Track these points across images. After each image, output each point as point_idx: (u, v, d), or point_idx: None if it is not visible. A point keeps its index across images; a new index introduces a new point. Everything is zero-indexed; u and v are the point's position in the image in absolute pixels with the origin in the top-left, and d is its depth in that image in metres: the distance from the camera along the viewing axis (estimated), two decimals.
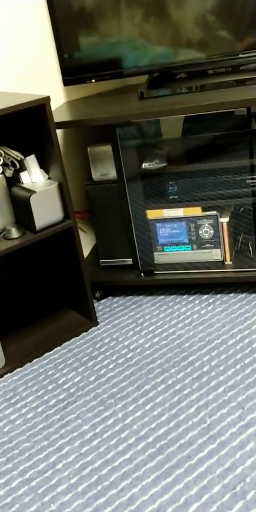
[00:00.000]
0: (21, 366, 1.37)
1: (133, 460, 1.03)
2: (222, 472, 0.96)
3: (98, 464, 1.03)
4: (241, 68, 1.44)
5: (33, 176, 1.34)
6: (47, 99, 1.23)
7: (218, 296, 1.51)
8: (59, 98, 1.63)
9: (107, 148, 1.45)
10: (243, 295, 1.49)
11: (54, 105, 1.61)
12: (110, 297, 1.62)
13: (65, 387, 1.27)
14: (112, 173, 1.48)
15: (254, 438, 1.02)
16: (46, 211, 1.30)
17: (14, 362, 1.38)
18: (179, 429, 1.07)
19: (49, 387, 1.27)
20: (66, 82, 1.56)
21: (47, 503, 0.98)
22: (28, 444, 1.12)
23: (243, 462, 0.97)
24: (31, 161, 1.33)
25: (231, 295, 1.50)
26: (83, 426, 1.14)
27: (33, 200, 1.27)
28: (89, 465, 1.04)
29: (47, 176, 1.36)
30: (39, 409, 1.21)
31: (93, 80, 1.53)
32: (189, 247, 1.50)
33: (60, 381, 1.29)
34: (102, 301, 1.60)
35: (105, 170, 1.49)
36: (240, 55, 1.40)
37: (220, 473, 0.96)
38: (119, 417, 1.14)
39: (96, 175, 1.51)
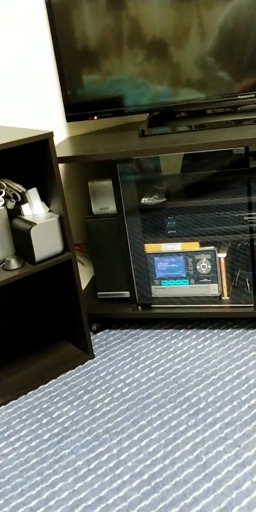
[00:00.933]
0: (15, 398, 1.35)
1: (128, 498, 1.01)
2: None
3: (92, 502, 1.01)
4: (238, 109, 1.49)
5: (34, 208, 1.36)
6: (51, 134, 1.26)
7: (215, 331, 1.51)
8: (61, 133, 1.67)
9: (108, 183, 1.48)
10: (240, 330, 1.49)
11: (57, 140, 1.65)
12: (106, 330, 1.61)
13: (59, 421, 1.25)
14: (111, 207, 1.50)
15: (251, 477, 1.00)
16: (46, 243, 1.31)
17: (9, 394, 1.36)
18: (174, 466, 1.06)
19: (44, 421, 1.26)
20: (69, 118, 1.60)
21: None
22: (21, 479, 1.10)
23: (239, 502, 0.95)
24: (33, 193, 1.35)
25: (228, 330, 1.50)
26: (77, 461, 1.12)
27: (33, 232, 1.28)
28: (82, 502, 1.02)
29: (48, 209, 1.38)
30: (33, 443, 1.19)
31: (95, 117, 1.57)
32: (186, 282, 1.51)
33: (54, 415, 1.27)
34: (99, 333, 1.60)
35: (105, 204, 1.52)
36: (239, 96, 1.45)
37: None
38: (114, 453, 1.12)
39: (96, 208, 1.53)
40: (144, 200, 1.49)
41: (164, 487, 1.01)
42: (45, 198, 1.38)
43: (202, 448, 1.09)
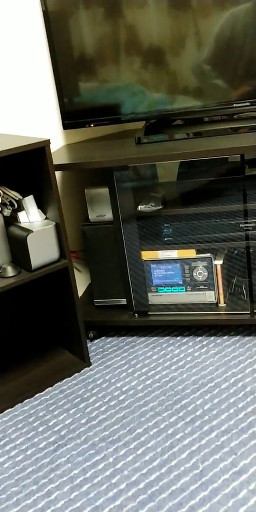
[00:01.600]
0: (11, 406, 1.35)
1: (124, 507, 1.00)
2: None
3: (88, 511, 1.01)
4: (234, 116, 1.49)
5: (31, 216, 1.36)
6: (47, 142, 1.27)
7: (212, 338, 1.51)
8: (58, 141, 1.68)
9: (104, 190, 1.48)
10: (237, 337, 1.49)
11: (54, 147, 1.65)
12: (103, 337, 1.61)
13: (55, 429, 1.25)
14: (108, 215, 1.51)
15: (247, 485, 1.00)
16: (43, 250, 1.31)
17: (5, 402, 1.36)
18: (171, 475, 1.05)
19: (40, 429, 1.25)
20: (65, 126, 1.60)
21: None
22: (16, 488, 1.09)
23: (236, 511, 0.95)
24: (29, 201, 1.35)
25: (225, 337, 1.50)
26: (73, 470, 1.11)
27: (30, 240, 1.28)
28: (78, 511, 1.01)
29: (44, 216, 1.38)
30: (29, 452, 1.19)
31: (92, 125, 1.58)
32: (183, 289, 1.51)
33: (50, 423, 1.27)
34: (95, 341, 1.60)
35: (101, 212, 1.52)
36: (234, 104, 1.45)
37: None
38: (110, 461, 1.12)
39: (92, 216, 1.53)
40: (140, 207, 1.50)
41: (160, 495, 1.01)
42: (42, 206, 1.38)
43: (198, 456, 1.09)
